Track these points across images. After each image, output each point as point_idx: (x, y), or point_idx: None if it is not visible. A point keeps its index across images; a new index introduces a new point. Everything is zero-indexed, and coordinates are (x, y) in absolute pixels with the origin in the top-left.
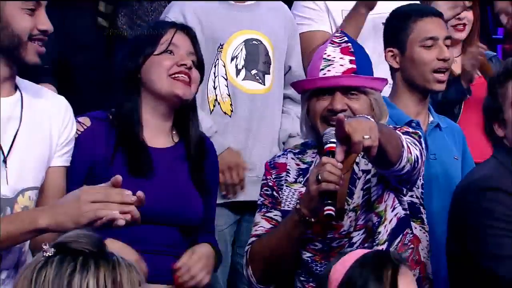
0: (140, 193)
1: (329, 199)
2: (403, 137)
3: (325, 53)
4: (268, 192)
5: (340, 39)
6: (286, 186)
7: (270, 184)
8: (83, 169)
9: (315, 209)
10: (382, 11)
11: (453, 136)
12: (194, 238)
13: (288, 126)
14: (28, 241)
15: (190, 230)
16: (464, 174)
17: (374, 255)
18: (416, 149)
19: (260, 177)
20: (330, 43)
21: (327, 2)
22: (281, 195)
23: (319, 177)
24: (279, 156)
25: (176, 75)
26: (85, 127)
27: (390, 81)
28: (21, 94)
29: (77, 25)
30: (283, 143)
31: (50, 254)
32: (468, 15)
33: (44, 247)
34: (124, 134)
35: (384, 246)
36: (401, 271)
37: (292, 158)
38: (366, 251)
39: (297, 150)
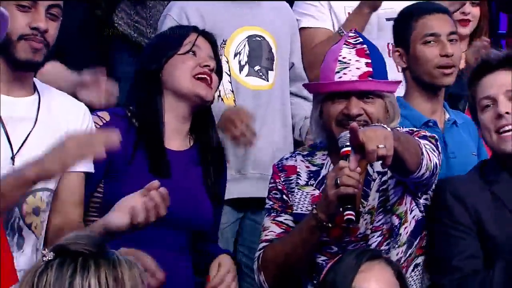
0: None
1: (348, 203)
2: (422, 143)
3: (340, 55)
4: (277, 196)
5: (355, 39)
6: (298, 189)
7: (280, 187)
8: (102, 162)
9: (333, 214)
10: (386, 7)
11: (469, 131)
12: (198, 244)
13: (301, 111)
14: (42, 244)
15: (197, 235)
16: None
17: (353, 252)
18: (435, 156)
19: (263, 174)
20: (344, 44)
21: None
22: (291, 199)
23: (338, 181)
24: (287, 158)
25: (199, 76)
26: (105, 122)
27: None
28: (39, 96)
29: (72, 22)
30: (300, 129)
31: (50, 258)
32: (474, 11)
33: (43, 252)
34: (146, 134)
35: (403, 248)
36: (368, 265)
37: (302, 161)
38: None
39: (305, 152)
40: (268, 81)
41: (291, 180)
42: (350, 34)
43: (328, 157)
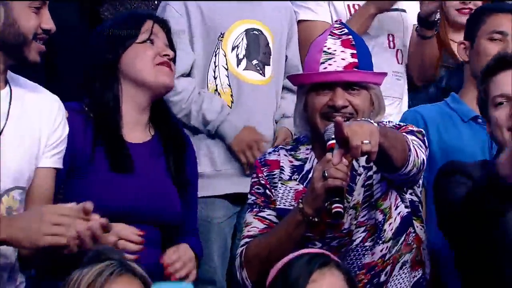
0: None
1: (336, 196)
2: (410, 139)
3: (325, 46)
4: (260, 191)
5: (340, 30)
6: (281, 184)
7: (262, 182)
8: (65, 161)
9: (320, 208)
10: None
11: None
12: (172, 238)
13: (285, 106)
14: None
15: (169, 229)
16: None
17: (303, 257)
18: (422, 151)
19: None
20: (329, 34)
21: None
22: (274, 194)
23: (325, 174)
24: (270, 152)
25: (160, 65)
26: (66, 117)
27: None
28: (10, 89)
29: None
30: (276, 122)
31: None
32: (476, 1)
33: None
34: (103, 128)
35: (388, 244)
36: (318, 273)
37: (285, 155)
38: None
39: (289, 147)
40: (264, 76)
41: (274, 174)
42: (336, 25)
43: (311, 151)
